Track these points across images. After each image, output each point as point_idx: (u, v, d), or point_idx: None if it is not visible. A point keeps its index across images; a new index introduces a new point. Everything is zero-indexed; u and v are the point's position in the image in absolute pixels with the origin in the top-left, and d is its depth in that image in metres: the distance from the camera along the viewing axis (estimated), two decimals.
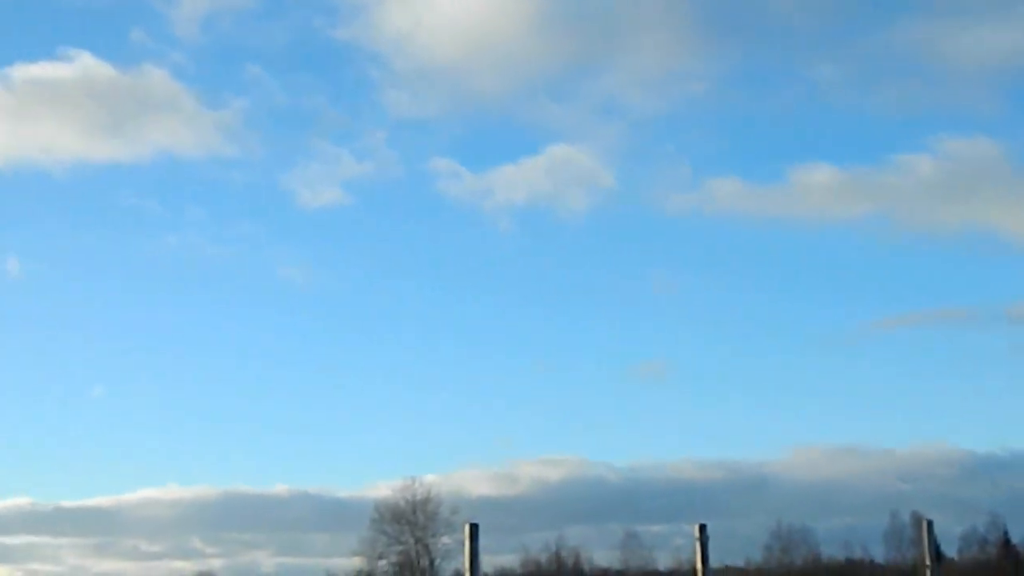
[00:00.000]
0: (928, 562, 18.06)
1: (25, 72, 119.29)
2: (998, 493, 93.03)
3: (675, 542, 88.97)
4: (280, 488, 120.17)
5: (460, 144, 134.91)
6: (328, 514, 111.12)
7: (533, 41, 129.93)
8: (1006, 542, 79.79)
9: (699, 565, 15.19)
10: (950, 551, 76.98)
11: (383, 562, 65.55)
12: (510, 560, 75.94)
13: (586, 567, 75.04)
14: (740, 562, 75.57)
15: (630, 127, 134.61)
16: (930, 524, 18.20)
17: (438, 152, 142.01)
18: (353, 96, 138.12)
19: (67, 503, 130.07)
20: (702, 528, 15.25)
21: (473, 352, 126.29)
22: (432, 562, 65.52)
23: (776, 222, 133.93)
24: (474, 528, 13.85)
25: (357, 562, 66.52)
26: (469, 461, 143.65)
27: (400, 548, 65.35)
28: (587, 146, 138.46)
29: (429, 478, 68.99)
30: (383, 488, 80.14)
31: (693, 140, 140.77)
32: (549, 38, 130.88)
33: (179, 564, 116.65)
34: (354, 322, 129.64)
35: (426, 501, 65.93)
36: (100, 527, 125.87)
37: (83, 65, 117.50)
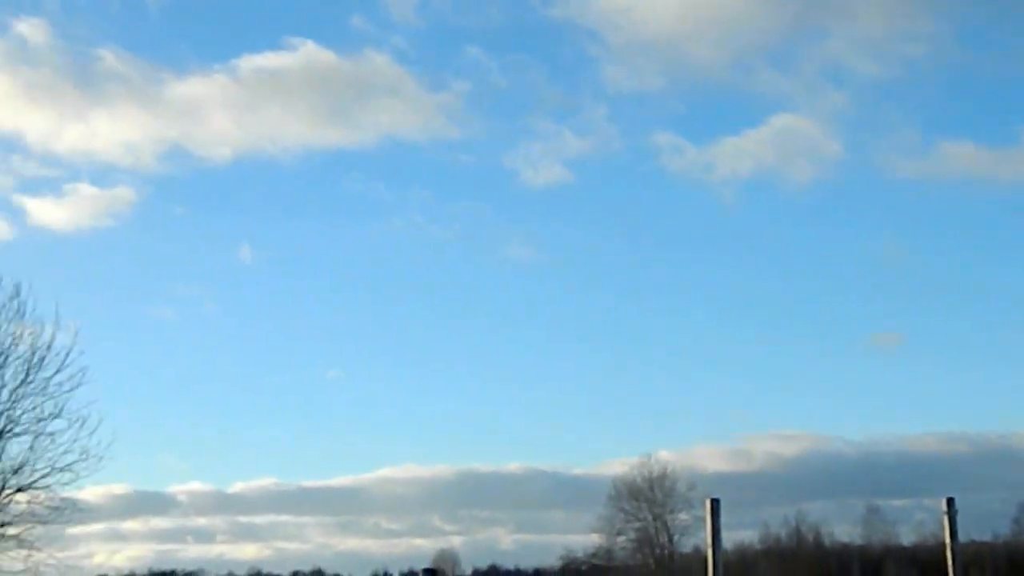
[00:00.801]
0: None
1: (251, 63, 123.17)
2: None
3: (917, 516, 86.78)
4: (514, 466, 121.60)
5: (681, 117, 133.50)
6: (563, 491, 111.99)
7: (752, 9, 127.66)
8: None
9: (947, 540, 14.70)
10: None
11: (621, 538, 65.71)
12: (748, 536, 75.36)
13: (827, 542, 73.85)
14: (987, 536, 73.24)
15: (855, 93, 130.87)
16: None
17: (659, 126, 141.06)
18: (571, 73, 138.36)
19: (309, 483, 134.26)
20: (950, 502, 14.74)
21: (701, 327, 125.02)
22: (671, 538, 65.44)
23: (1012, 186, 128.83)
24: (715, 503, 13.65)
25: (595, 539, 66.87)
26: (701, 437, 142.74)
27: (638, 524, 65.41)
28: (811, 114, 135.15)
29: (663, 455, 69.00)
30: (617, 465, 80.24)
31: (921, 103, 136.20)
32: (768, 5, 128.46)
33: (419, 541, 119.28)
34: (581, 299, 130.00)
35: (663, 477, 65.88)
36: (342, 506, 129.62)
37: (306, 53, 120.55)
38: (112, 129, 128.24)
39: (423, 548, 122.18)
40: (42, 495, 25.49)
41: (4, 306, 25.89)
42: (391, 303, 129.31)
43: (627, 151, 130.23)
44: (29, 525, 25.50)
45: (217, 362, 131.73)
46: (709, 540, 13.75)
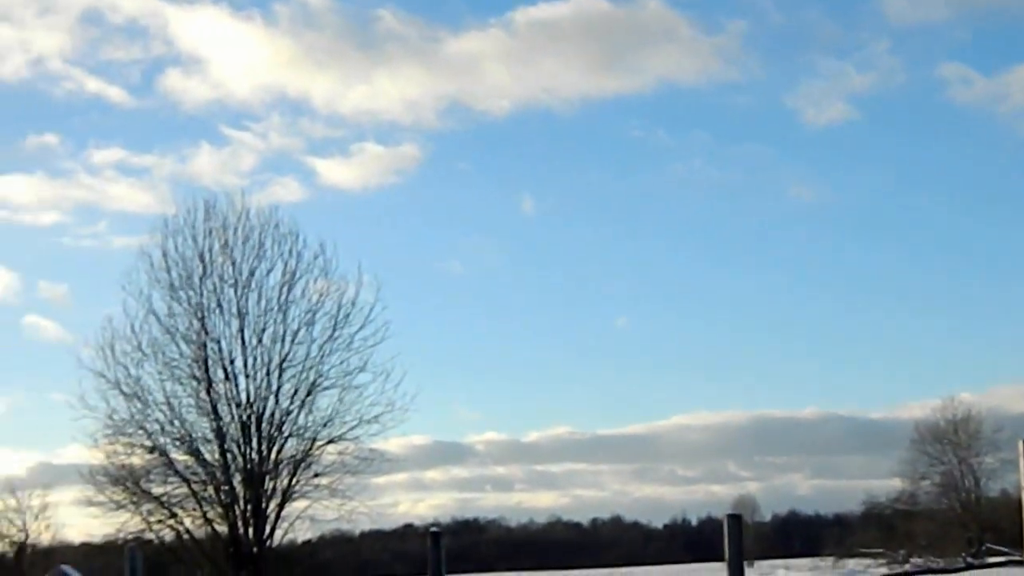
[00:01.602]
0: None
1: (525, 15, 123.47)
2: None
3: None
4: (810, 411, 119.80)
5: (969, 46, 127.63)
6: (861, 436, 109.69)
7: None
8: None
9: None
10: None
11: (925, 483, 63.88)
12: None
13: None
14: None
15: None
16: None
17: (945, 57, 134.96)
18: (850, 7, 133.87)
19: (604, 431, 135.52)
20: None
21: (993, 265, 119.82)
22: (977, 482, 63.37)
23: None
24: None
25: (898, 483, 65.31)
26: (1003, 378, 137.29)
27: (942, 468, 63.50)
28: None
29: (965, 396, 66.83)
30: (915, 408, 77.82)
31: None
32: None
33: (716, 488, 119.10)
34: (870, 240, 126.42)
35: (967, 420, 63.74)
36: (637, 453, 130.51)
37: (579, 3, 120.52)
38: (394, 88, 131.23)
39: (720, 495, 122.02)
40: (351, 446, 26.48)
41: (309, 264, 26.92)
42: (675, 249, 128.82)
43: (912, 85, 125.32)
44: (340, 475, 26.54)
45: (506, 313, 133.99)
46: (1022, 480, 13.20)
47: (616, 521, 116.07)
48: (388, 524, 65.64)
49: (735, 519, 12.95)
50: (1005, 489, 58.45)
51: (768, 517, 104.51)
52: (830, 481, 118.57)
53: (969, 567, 35.06)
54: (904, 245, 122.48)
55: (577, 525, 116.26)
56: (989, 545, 39.65)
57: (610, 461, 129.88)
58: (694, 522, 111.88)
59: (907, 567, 40.16)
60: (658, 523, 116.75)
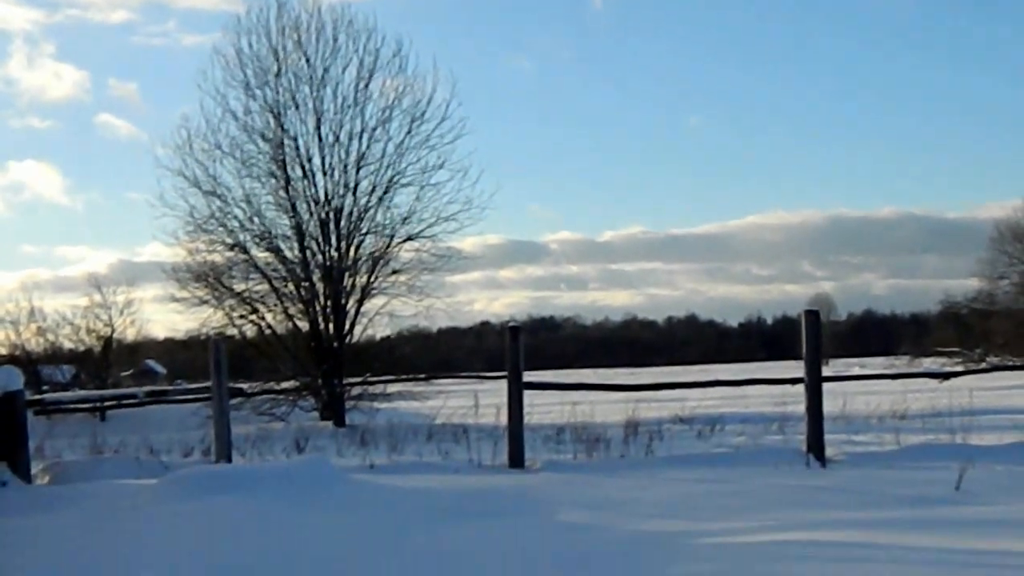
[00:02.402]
0: None
1: None
2: None
3: None
4: (886, 210, 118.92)
5: None
6: (938, 236, 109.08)
7: None
8: None
9: None
10: None
11: (1004, 282, 63.39)
12: None
13: None
14: None
15: None
16: None
17: None
18: None
19: (677, 230, 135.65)
20: None
21: None
22: None
23: None
24: None
25: (975, 283, 64.94)
26: None
27: (1022, 268, 63.11)
28: None
29: None
30: (994, 208, 76.94)
31: None
32: None
33: (790, 288, 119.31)
34: (950, 29, 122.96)
35: None
36: (710, 253, 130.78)
37: None
38: None
39: (794, 294, 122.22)
40: (428, 244, 26.72)
41: (386, 62, 26.78)
42: (749, 49, 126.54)
43: None
44: (417, 272, 26.84)
45: (577, 112, 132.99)
46: None
47: (691, 320, 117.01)
48: (465, 322, 66.60)
49: (812, 315, 12.91)
50: None
51: (844, 316, 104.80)
52: (906, 281, 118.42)
53: None
54: (984, 36, 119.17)
55: (652, 324, 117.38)
56: None
57: (684, 260, 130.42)
58: (769, 321, 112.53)
59: (983, 365, 40.12)
60: (733, 322, 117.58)
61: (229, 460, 12.96)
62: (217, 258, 26.49)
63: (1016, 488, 9.76)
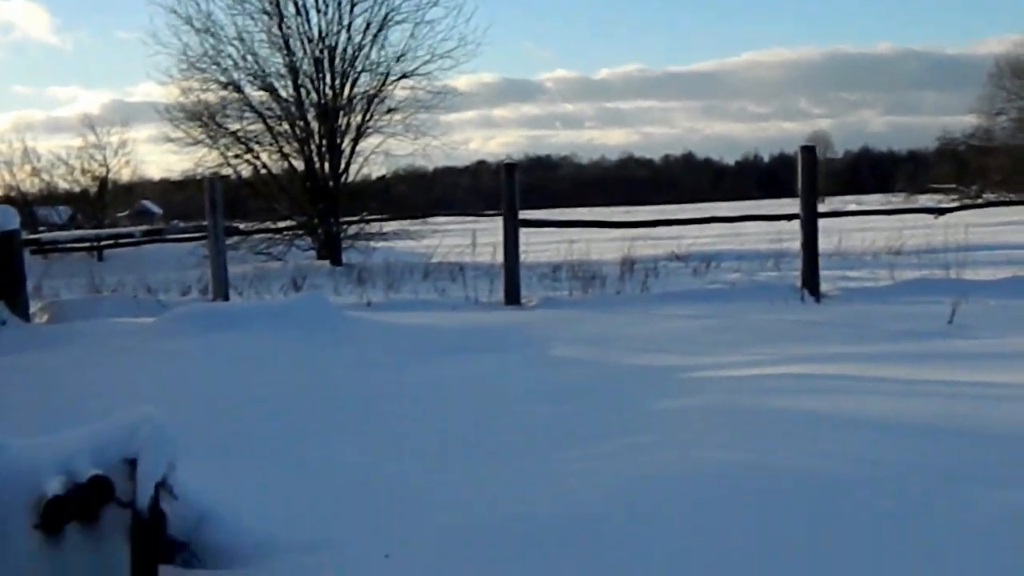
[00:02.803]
0: None
1: None
2: None
3: None
4: (884, 46, 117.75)
5: None
6: (937, 72, 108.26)
7: None
8: None
9: None
10: None
11: (1002, 118, 63.22)
12: None
13: None
14: None
15: None
16: None
17: None
18: None
19: (675, 68, 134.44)
20: None
21: None
22: None
23: None
24: None
25: (973, 119, 64.72)
26: None
27: (1021, 104, 62.73)
28: None
29: None
30: (993, 43, 76.26)
31: None
32: None
33: (787, 125, 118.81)
34: None
35: None
36: (708, 90, 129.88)
37: None
38: None
39: (791, 132, 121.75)
40: (423, 82, 26.54)
41: None
42: None
43: None
44: (412, 111, 26.71)
45: None
46: None
47: (688, 158, 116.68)
48: (461, 161, 66.52)
49: (808, 150, 12.86)
50: None
51: (840, 154, 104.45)
52: (904, 118, 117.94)
53: None
54: None
55: (649, 162, 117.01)
56: None
57: (681, 98, 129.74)
58: (766, 159, 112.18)
59: (979, 201, 40.15)
60: (730, 160, 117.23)
61: (226, 298, 13.03)
62: (211, 97, 26.34)
63: (1007, 322, 9.83)
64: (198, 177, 24.72)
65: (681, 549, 3.91)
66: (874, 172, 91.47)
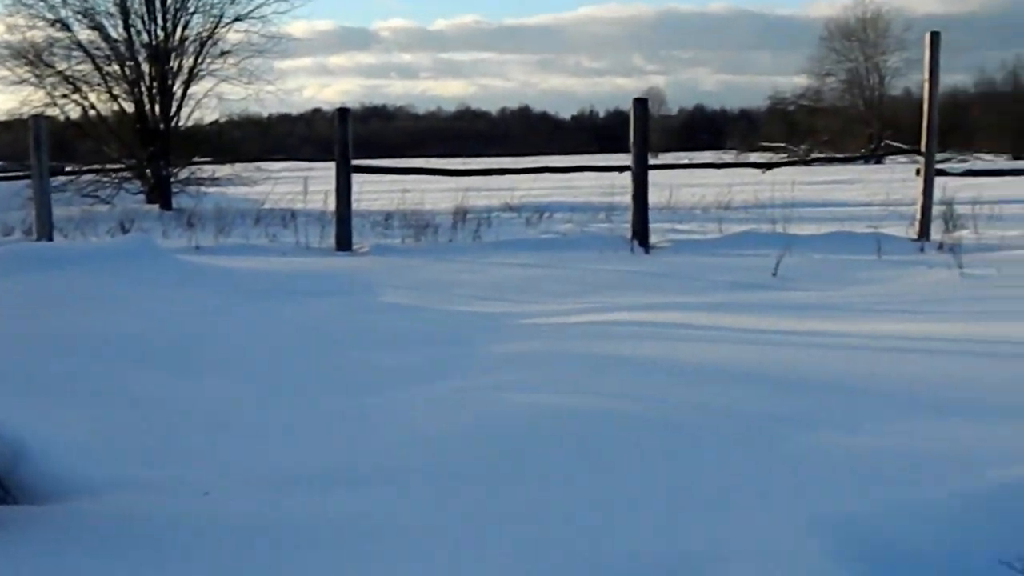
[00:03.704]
0: None
1: None
2: None
3: None
4: (718, 6, 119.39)
5: None
6: (769, 32, 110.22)
7: None
8: None
9: None
10: None
11: (831, 79, 64.72)
12: (962, 80, 73.41)
13: None
14: None
15: None
16: None
17: None
18: None
19: (511, 21, 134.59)
20: None
21: None
22: (881, 79, 64.37)
23: None
24: (935, 36, 13.09)
25: (803, 80, 66.11)
26: None
27: (849, 66, 64.22)
28: None
29: None
30: (824, 7, 77.98)
31: None
32: None
33: (622, 81, 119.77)
34: None
35: (876, 18, 64.11)
36: (543, 44, 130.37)
37: None
38: None
39: (626, 87, 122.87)
40: (257, 25, 26.09)
41: None
42: None
43: None
44: (246, 55, 26.26)
45: None
46: (926, 75, 13.35)
47: (524, 112, 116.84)
48: (296, 108, 65.78)
49: (641, 103, 13.03)
50: (908, 88, 59.66)
51: (675, 111, 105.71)
52: (737, 77, 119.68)
53: (866, 160, 36.01)
54: None
55: (486, 115, 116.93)
56: (888, 142, 40.45)
57: (517, 51, 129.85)
58: (602, 115, 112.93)
59: (807, 158, 41.11)
60: (566, 114, 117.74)
61: (51, 239, 12.71)
62: (38, 35, 25.53)
63: (828, 274, 10.12)
64: (24, 117, 23.98)
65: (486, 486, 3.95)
66: (707, 130, 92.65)
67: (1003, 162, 40.64)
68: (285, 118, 51.73)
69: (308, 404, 5.36)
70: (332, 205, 13.32)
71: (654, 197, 13.56)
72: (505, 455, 4.29)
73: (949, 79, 71.21)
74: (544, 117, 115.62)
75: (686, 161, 19.39)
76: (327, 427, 4.92)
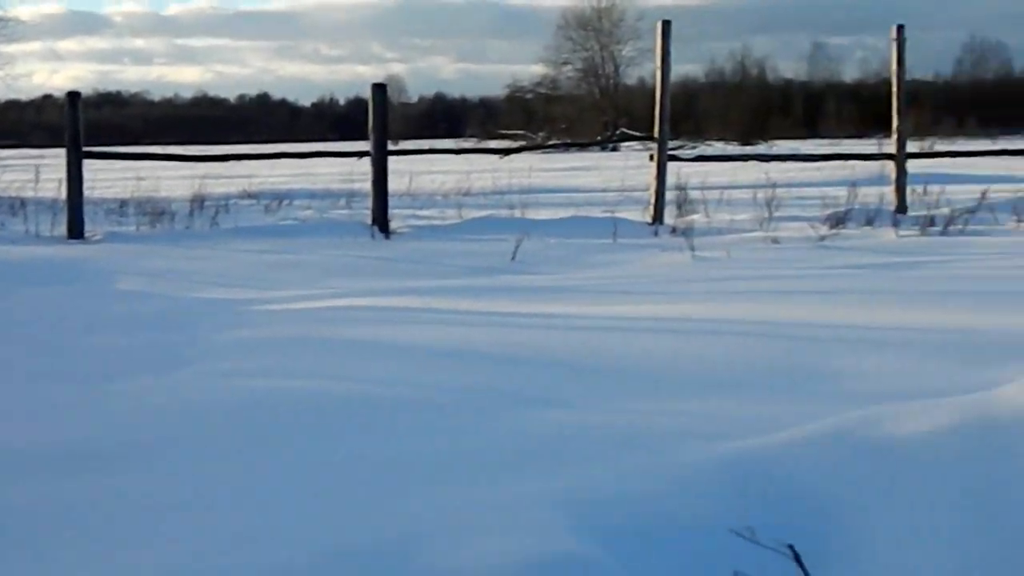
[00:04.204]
0: None
1: None
2: None
3: (857, 55, 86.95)
4: None
5: None
6: (507, 21, 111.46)
7: None
8: None
9: (894, 67, 14.64)
10: None
11: (567, 68, 65.96)
12: (693, 69, 75.69)
13: (770, 78, 74.49)
14: (929, 76, 73.72)
15: None
16: None
17: None
18: None
19: (247, 7, 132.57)
20: (900, 29, 14.61)
21: None
22: (617, 69, 65.87)
23: None
24: (666, 25, 13.51)
25: (541, 69, 67.18)
26: None
27: (585, 55, 65.52)
28: None
29: None
30: None
31: None
32: None
33: (361, 69, 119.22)
34: None
35: (611, 9, 65.57)
36: (280, 31, 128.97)
37: None
38: None
39: (366, 75, 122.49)
40: None
41: None
42: None
43: None
44: None
45: None
46: (658, 62, 13.74)
47: (263, 99, 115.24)
48: (26, 94, 63.40)
49: (379, 88, 13.05)
50: (642, 77, 61.29)
51: (415, 99, 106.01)
52: (475, 65, 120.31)
53: (602, 147, 36.86)
54: None
55: (223, 102, 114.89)
56: (624, 130, 41.40)
57: (254, 38, 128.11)
58: (342, 102, 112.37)
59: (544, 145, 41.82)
60: (305, 102, 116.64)
61: None
62: None
63: (564, 258, 10.33)
64: None
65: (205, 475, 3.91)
66: (447, 118, 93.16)
67: (732, 149, 42.16)
68: (14, 104, 49.83)
69: (41, 392, 5.18)
70: (64, 193, 12.91)
71: (394, 184, 13.59)
72: (236, 439, 4.24)
73: (681, 69, 73.09)
74: (283, 104, 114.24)
75: (426, 148, 19.45)
76: (62, 414, 4.77)
